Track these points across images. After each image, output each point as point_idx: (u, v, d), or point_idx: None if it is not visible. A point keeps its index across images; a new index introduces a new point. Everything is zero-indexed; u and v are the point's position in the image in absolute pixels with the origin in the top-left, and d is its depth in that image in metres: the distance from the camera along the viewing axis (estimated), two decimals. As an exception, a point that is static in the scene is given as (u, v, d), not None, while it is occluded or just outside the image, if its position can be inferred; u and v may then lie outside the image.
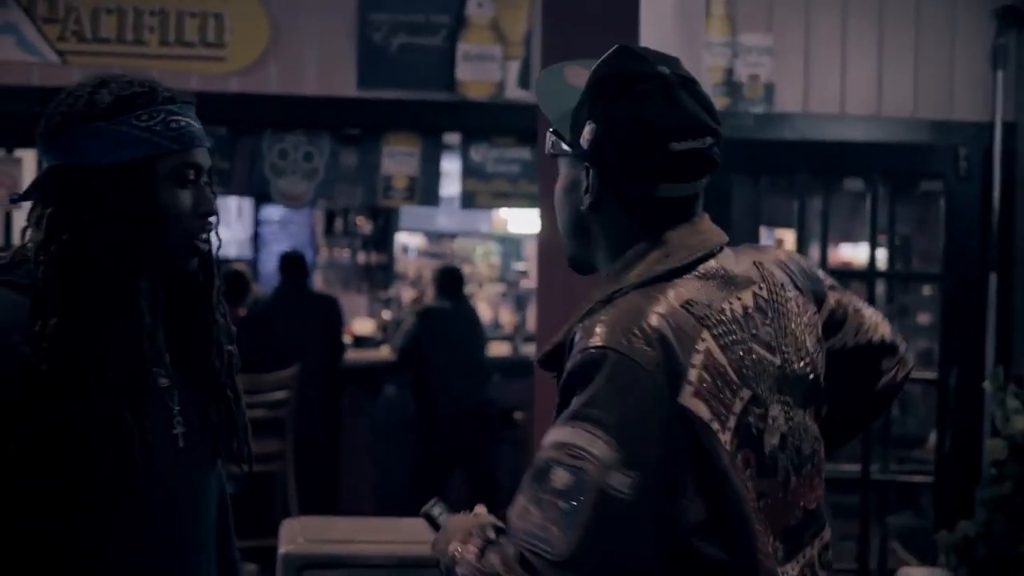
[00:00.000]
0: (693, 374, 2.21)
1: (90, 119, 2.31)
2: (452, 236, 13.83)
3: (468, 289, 12.33)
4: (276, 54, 7.29)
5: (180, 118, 2.35)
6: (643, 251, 2.32)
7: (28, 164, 7.33)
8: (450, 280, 9.44)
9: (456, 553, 2.26)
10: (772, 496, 2.29)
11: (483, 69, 7.38)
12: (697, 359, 2.22)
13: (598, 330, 2.21)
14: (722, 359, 2.24)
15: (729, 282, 2.34)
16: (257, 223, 13.16)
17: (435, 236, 13.88)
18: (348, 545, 4.18)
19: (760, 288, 2.38)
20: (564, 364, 2.27)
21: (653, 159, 2.29)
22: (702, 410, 2.20)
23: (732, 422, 2.23)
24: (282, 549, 4.10)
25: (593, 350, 2.19)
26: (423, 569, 4.04)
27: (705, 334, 2.25)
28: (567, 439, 2.16)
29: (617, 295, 2.29)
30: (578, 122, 2.34)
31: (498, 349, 10.84)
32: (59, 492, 2.31)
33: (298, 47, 7.31)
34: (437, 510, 2.41)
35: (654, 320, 2.21)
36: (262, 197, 10.21)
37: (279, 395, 8.35)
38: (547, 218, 4.52)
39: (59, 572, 2.34)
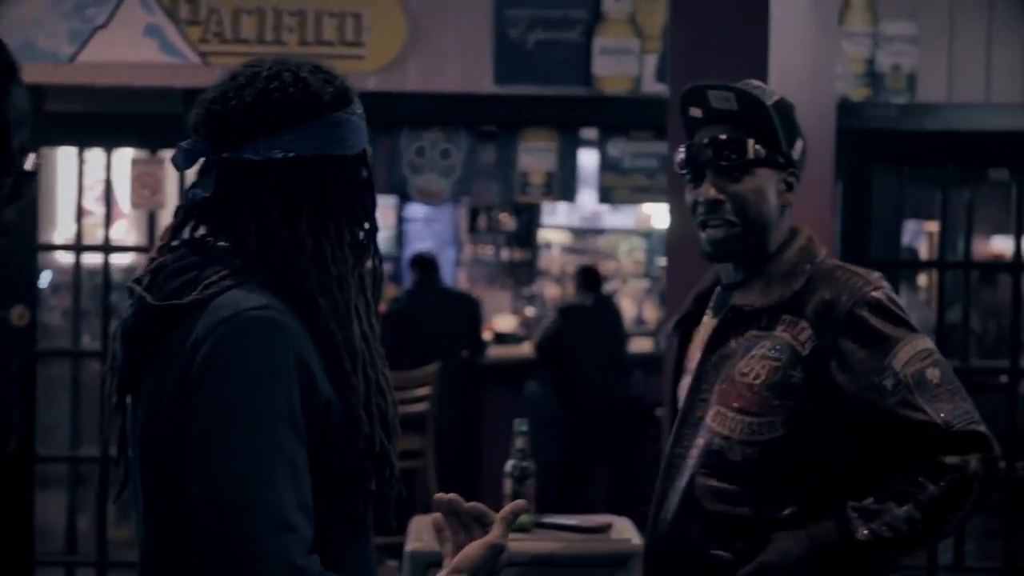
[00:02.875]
0: None
1: (332, 108, 2.19)
2: (596, 232, 13.81)
3: (612, 285, 12.33)
4: (414, 52, 7.32)
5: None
6: (808, 235, 3.03)
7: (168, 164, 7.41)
8: (589, 277, 9.45)
9: (863, 533, 2.79)
10: None
11: (620, 63, 7.34)
12: None
13: (872, 280, 2.91)
14: None
15: None
16: (401, 221, 13.24)
17: (579, 233, 13.86)
18: (478, 542, 4.10)
19: None
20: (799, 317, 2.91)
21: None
22: None
23: None
24: (409, 546, 4.08)
25: (879, 292, 2.88)
26: (555, 567, 4.01)
27: None
28: (913, 350, 2.83)
29: (822, 264, 2.96)
30: (790, 139, 2.98)
31: (642, 345, 10.80)
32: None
33: (436, 45, 7.33)
34: None
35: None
36: (400, 194, 10.25)
37: (420, 392, 8.39)
38: (676, 213, 4.47)
39: None
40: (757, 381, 2.90)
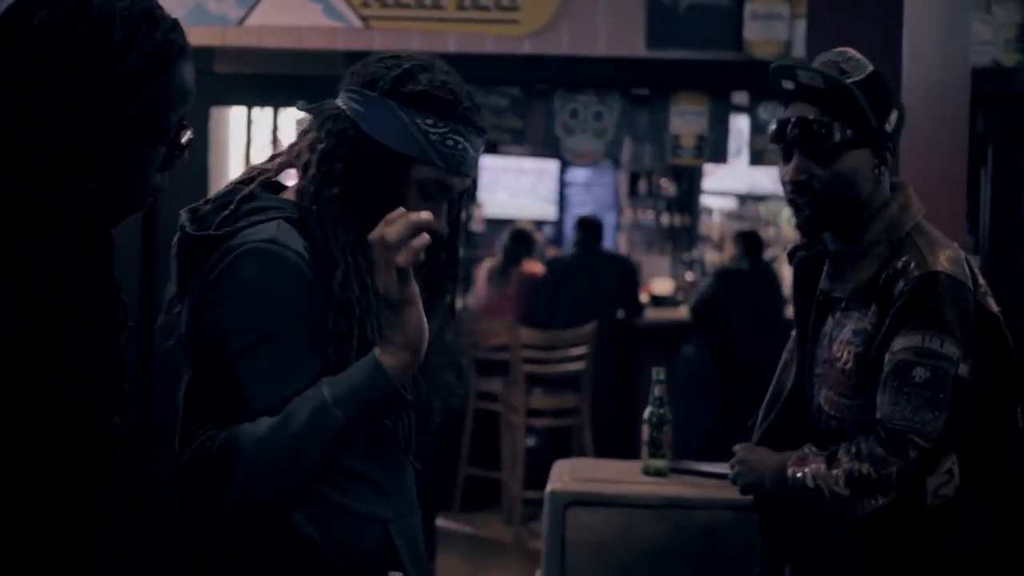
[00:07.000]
0: (981, 280, 2.92)
1: (384, 92, 2.39)
2: (757, 199, 13.73)
3: (772, 252, 12.28)
4: (567, 16, 7.40)
5: (461, 140, 2.41)
6: (902, 203, 2.97)
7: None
8: (749, 242, 9.42)
9: (799, 473, 2.96)
10: None
11: (770, 28, 7.35)
12: (975, 271, 2.91)
13: (929, 259, 2.85)
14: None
15: None
16: (562, 185, 13.27)
17: (740, 199, 13.79)
18: (613, 485, 4.22)
19: None
20: (877, 292, 2.89)
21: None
22: (992, 305, 2.91)
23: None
24: (549, 487, 4.20)
25: (930, 273, 2.82)
26: (686, 510, 4.09)
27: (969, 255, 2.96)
28: (919, 343, 2.80)
29: (906, 238, 2.91)
30: (882, 112, 2.92)
31: (800, 311, 10.68)
32: None
33: (588, 9, 7.41)
34: None
35: (956, 250, 2.89)
36: (554, 155, 10.35)
37: (576, 351, 8.46)
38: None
39: None
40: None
